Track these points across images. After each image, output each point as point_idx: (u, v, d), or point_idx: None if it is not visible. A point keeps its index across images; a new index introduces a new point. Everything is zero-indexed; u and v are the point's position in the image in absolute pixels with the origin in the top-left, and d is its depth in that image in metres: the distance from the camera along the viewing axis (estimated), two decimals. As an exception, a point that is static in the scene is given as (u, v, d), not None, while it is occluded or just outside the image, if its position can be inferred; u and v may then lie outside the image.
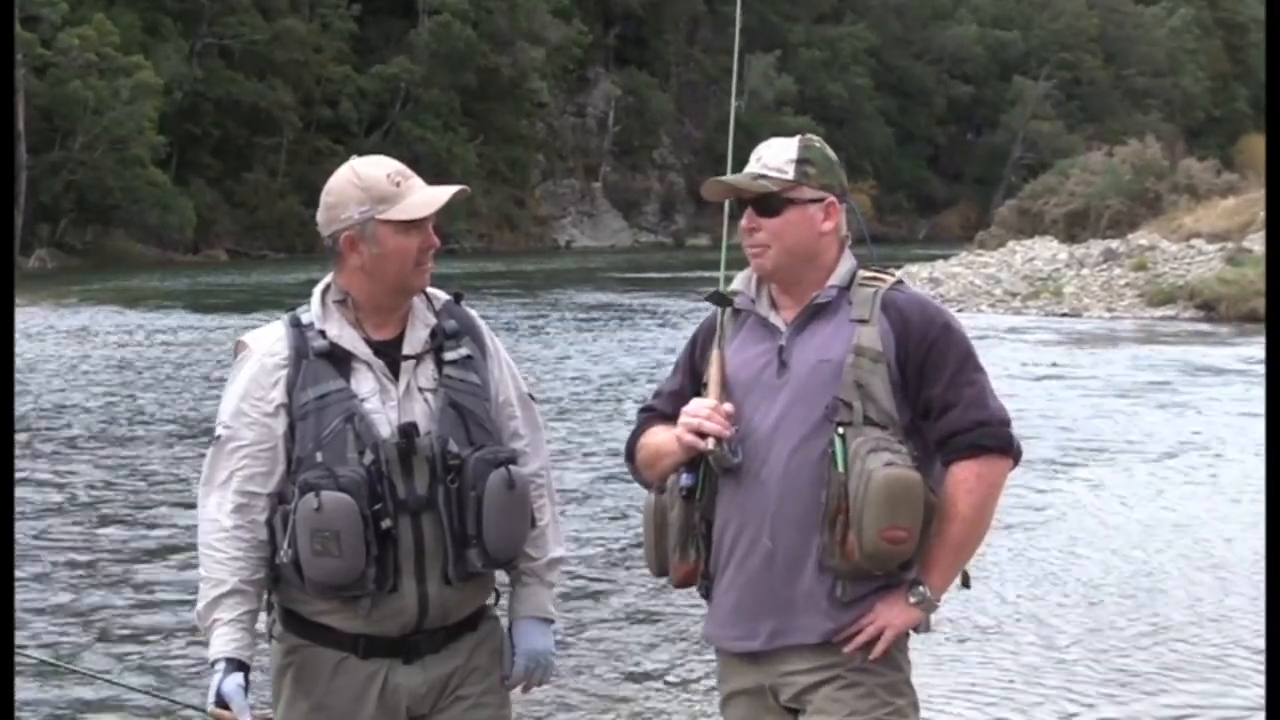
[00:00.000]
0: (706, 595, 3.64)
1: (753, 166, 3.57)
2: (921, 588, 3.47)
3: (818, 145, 3.59)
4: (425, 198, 3.55)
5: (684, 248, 76.24)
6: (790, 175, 3.52)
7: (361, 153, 3.73)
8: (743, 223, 3.57)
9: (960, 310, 27.89)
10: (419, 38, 72.16)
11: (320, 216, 3.58)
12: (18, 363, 19.85)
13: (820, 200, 3.54)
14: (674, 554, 3.61)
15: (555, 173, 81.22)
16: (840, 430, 3.42)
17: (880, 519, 3.36)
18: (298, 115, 67.16)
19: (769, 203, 3.53)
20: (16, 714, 6.82)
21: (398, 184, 3.54)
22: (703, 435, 3.47)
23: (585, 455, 14.25)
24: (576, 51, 78.54)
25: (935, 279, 34.46)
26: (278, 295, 34.40)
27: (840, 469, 3.40)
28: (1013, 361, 21.34)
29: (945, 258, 38.88)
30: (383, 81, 69.93)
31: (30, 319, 28.46)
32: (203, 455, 3.66)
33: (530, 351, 23.69)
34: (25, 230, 51.46)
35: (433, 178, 3.64)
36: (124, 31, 57.63)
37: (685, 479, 3.55)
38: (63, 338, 26.22)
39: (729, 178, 3.59)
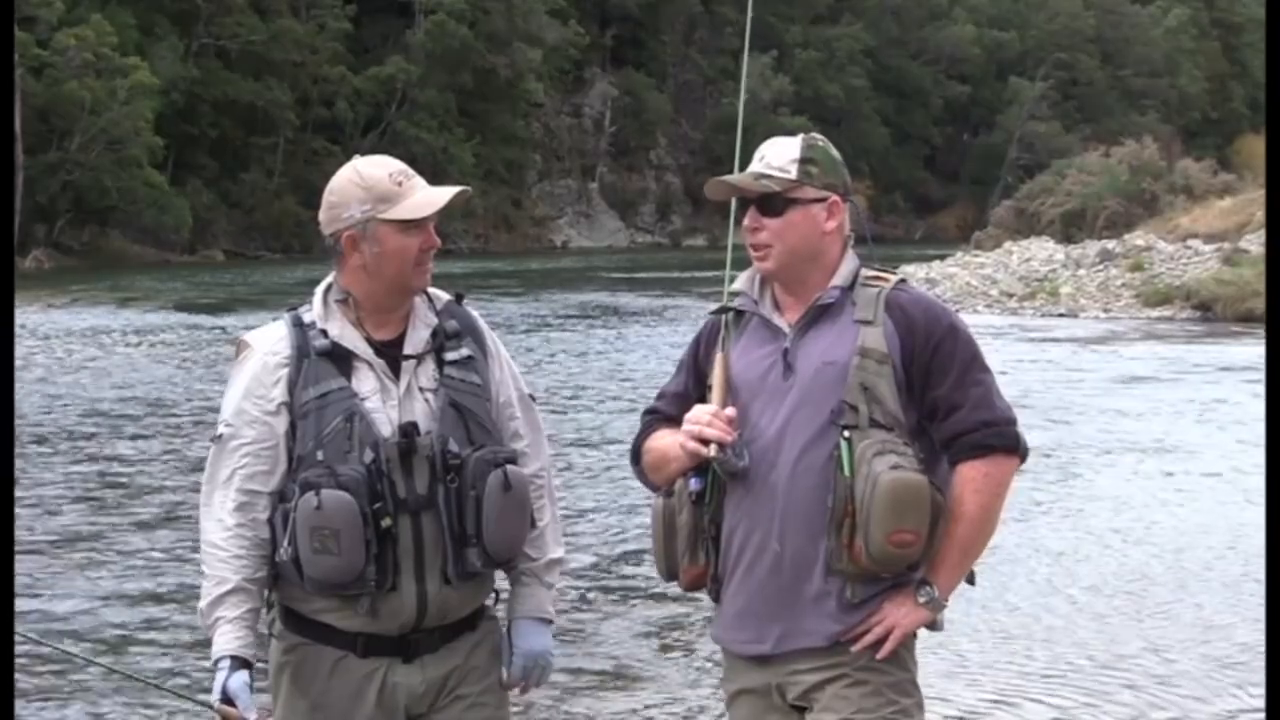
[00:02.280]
0: (715, 598, 3.64)
1: (755, 166, 3.56)
2: (929, 587, 3.48)
3: (821, 144, 3.58)
4: (427, 198, 3.55)
5: (681, 248, 76.30)
6: (793, 175, 3.51)
7: (358, 153, 3.73)
8: (746, 222, 3.56)
9: (957, 310, 27.83)
10: (415, 38, 72.14)
11: (322, 215, 3.59)
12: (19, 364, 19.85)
13: (823, 200, 3.53)
14: (683, 558, 3.61)
15: (552, 173, 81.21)
16: (846, 434, 3.42)
17: (887, 523, 3.36)
18: (294, 115, 67.11)
19: (772, 202, 3.52)
20: (19, 705, 6.83)
21: (400, 184, 3.54)
22: (705, 442, 3.46)
23: (584, 453, 14.25)
24: (573, 52, 78.53)
25: (932, 279, 34.46)
26: (275, 295, 34.39)
27: (846, 473, 3.40)
28: (1009, 361, 21.32)
29: (942, 258, 38.91)
30: (379, 82, 69.88)
31: (26, 319, 28.43)
32: (203, 454, 3.66)
33: (527, 351, 23.69)
34: (22, 230, 51.35)
35: (429, 178, 3.64)
36: (121, 32, 57.59)
37: (694, 483, 3.55)
38: (59, 337, 26.20)
39: (732, 177, 3.59)
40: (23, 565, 9.66)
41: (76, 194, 55.52)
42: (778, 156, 3.54)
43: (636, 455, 3.73)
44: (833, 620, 3.47)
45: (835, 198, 3.54)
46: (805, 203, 3.51)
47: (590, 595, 9.27)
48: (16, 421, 15.49)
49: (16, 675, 6.87)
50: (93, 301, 35.08)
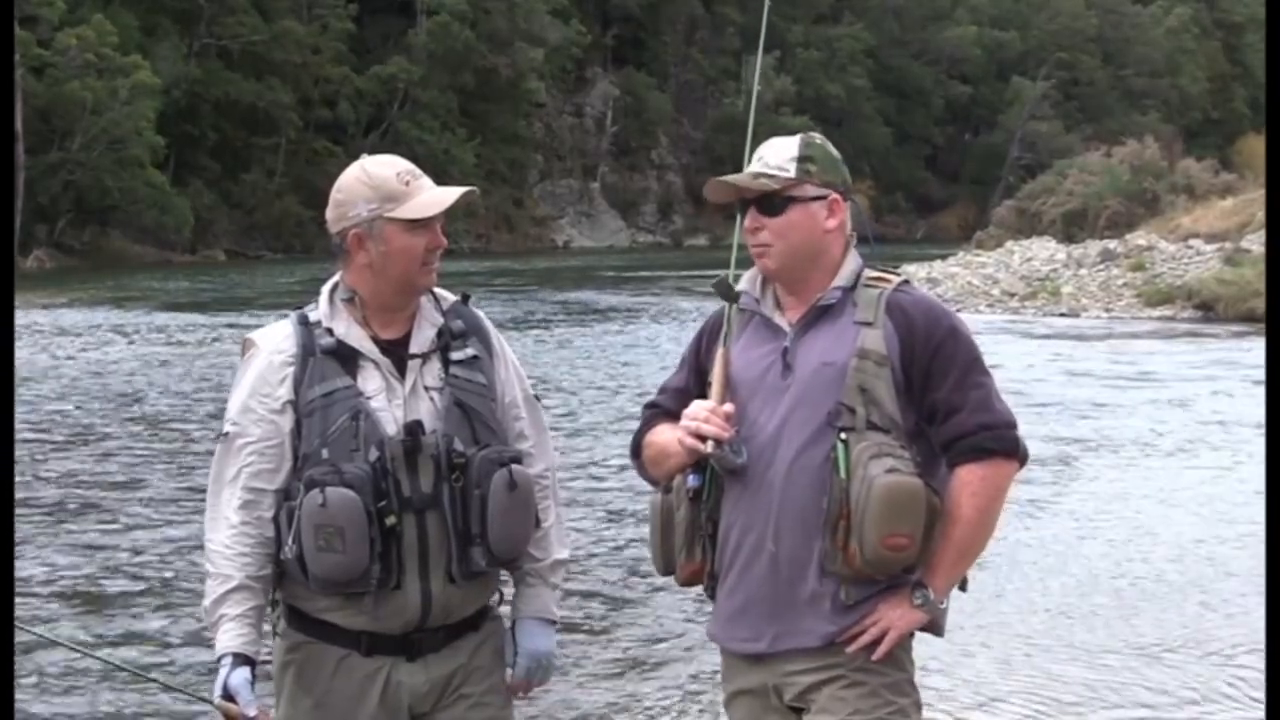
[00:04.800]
0: (712, 595, 3.64)
1: (754, 166, 3.55)
2: (925, 590, 3.46)
3: (819, 142, 3.57)
4: (433, 197, 3.55)
5: (682, 248, 76.34)
6: (792, 173, 3.50)
7: (360, 154, 3.74)
8: (746, 222, 3.55)
9: (958, 310, 27.70)
10: (417, 38, 72.19)
11: (329, 214, 3.60)
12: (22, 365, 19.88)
13: (823, 198, 3.52)
14: (680, 554, 3.61)
15: (553, 173, 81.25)
16: (843, 436, 3.41)
17: (881, 526, 3.35)
18: (296, 116, 67.14)
19: (771, 202, 3.51)
20: (21, 703, 6.84)
21: (407, 183, 3.55)
22: (703, 438, 3.46)
23: (586, 450, 14.26)
24: (575, 52, 78.57)
25: (933, 279, 34.46)
26: (278, 295, 34.39)
27: (842, 475, 3.39)
28: (1010, 361, 21.34)
29: (943, 258, 38.88)
30: (381, 82, 69.92)
31: (28, 319, 28.46)
32: (207, 453, 3.67)
33: (529, 350, 23.69)
34: (23, 230, 51.37)
35: (431, 178, 3.64)
36: (122, 32, 57.58)
37: (692, 480, 3.55)
38: (61, 337, 26.21)
39: (731, 177, 3.58)
40: (23, 563, 9.68)
41: (78, 194, 55.52)
42: (776, 155, 3.53)
43: (636, 449, 3.72)
44: (827, 621, 3.46)
45: (835, 195, 3.53)
46: (805, 201, 3.50)
47: (581, 605, 9.27)
48: (18, 422, 15.51)
49: (17, 673, 6.89)
50: (93, 301, 35.07)
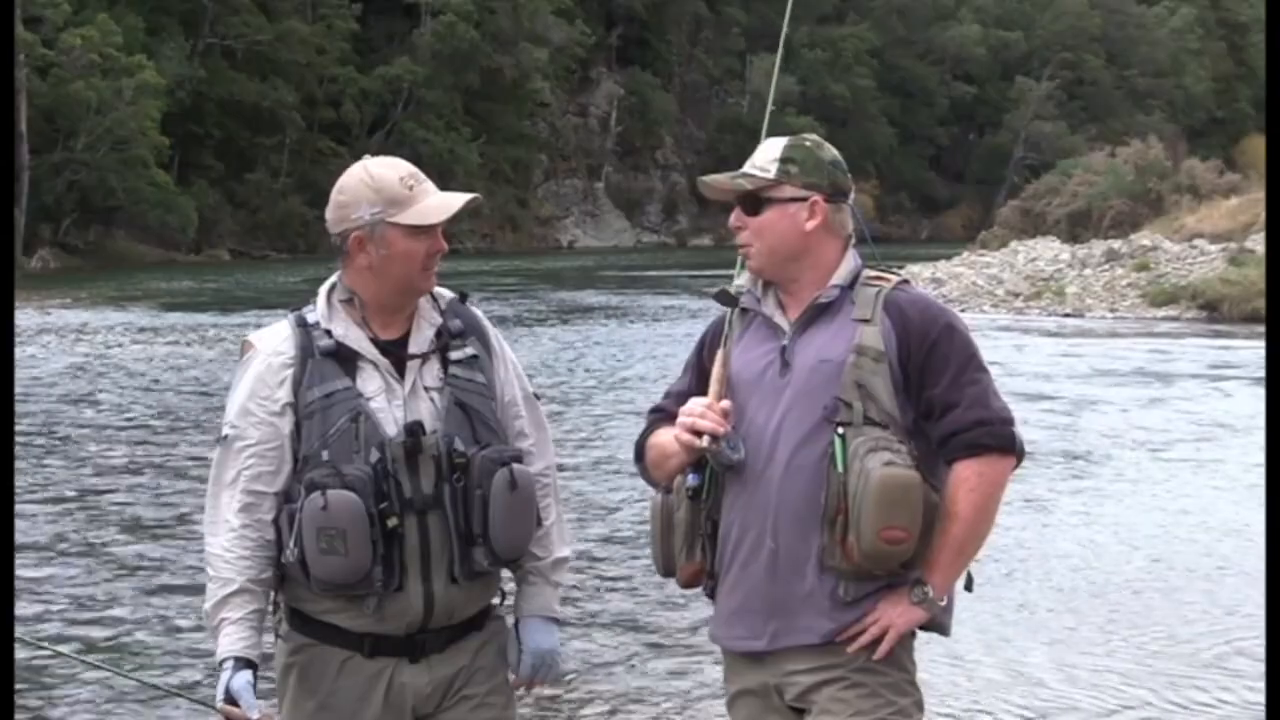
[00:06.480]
0: (711, 596, 3.64)
1: (745, 166, 3.57)
2: (923, 587, 3.45)
3: (808, 145, 3.56)
4: (438, 204, 3.55)
5: (687, 248, 76.36)
6: (771, 174, 3.51)
7: (363, 153, 3.73)
8: (730, 221, 3.58)
9: (963, 310, 27.84)
10: (422, 38, 72.21)
11: (330, 215, 3.59)
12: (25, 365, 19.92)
13: (803, 199, 3.52)
14: (680, 554, 3.61)
15: (558, 173, 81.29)
16: (840, 430, 3.41)
17: (878, 519, 3.35)
18: (300, 116, 67.15)
19: (750, 201, 3.53)
20: (21, 706, 6.85)
21: (410, 187, 3.54)
22: (699, 433, 3.46)
23: (587, 452, 14.27)
24: (579, 52, 78.61)
25: (938, 279, 34.48)
26: (282, 295, 34.39)
27: (840, 469, 3.39)
28: (1014, 361, 21.35)
29: (948, 258, 38.86)
30: (385, 82, 69.95)
31: (31, 319, 28.49)
32: (209, 455, 3.66)
33: (532, 351, 23.70)
34: (27, 230, 51.45)
35: (435, 178, 3.64)
36: (127, 32, 57.60)
37: (691, 479, 3.55)
38: (65, 337, 26.23)
39: (710, 177, 3.61)
40: (21, 566, 9.69)
41: (82, 194, 55.51)
42: (762, 156, 3.55)
43: (640, 453, 3.72)
44: (827, 618, 3.46)
45: (817, 198, 3.52)
46: (781, 202, 3.51)
47: (584, 605, 9.28)
48: (20, 421, 15.53)
49: (16, 679, 6.90)
50: (96, 301, 35.08)
